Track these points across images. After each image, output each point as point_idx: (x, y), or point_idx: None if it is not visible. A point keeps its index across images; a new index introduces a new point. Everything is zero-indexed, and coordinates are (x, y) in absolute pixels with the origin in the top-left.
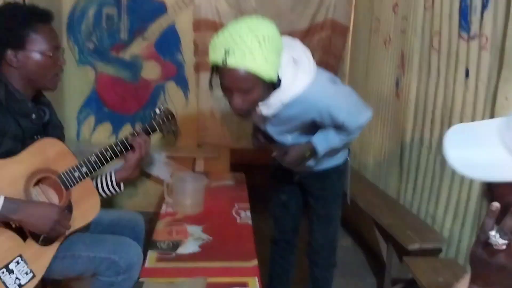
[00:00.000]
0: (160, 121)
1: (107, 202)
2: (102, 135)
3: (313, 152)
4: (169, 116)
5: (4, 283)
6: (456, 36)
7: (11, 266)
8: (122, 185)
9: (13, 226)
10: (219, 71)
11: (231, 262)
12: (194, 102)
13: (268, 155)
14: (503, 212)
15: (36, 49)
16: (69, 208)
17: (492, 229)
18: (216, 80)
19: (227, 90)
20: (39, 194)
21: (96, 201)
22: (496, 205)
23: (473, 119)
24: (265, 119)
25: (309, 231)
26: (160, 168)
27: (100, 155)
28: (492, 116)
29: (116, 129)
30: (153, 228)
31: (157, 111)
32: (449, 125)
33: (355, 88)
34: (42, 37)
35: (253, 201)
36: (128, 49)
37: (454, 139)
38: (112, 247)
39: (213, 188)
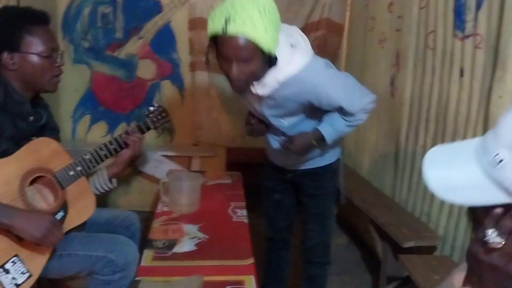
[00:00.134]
0: (154, 119)
1: (103, 201)
2: (98, 134)
3: (320, 140)
4: (163, 114)
5: (0, 283)
6: (451, 35)
7: (7, 266)
8: (114, 181)
9: None
10: (219, 41)
11: (227, 260)
12: (189, 100)
13: (263, 153)
14: (503, 213)
15: (32, 51)
16: (64, 207)
17: (490, 228)
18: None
19: (226, 61)
20: (34, 193)
21: (92, 200)
22: (498, 211)
23: (467, 117)
24: (260, 101)
25: (303, 230)
26: (156, 167)
27: (94, 154)
28: (486, 114)
29: (111, 128)
30: (148, 227)
31: (151, 109)
32: (444, 124)
33: None
34: (38, 39)
35: (249, 199)
36: (123, 48)
37: (433, 160)
38: (108, 246)
39: (209, 187)
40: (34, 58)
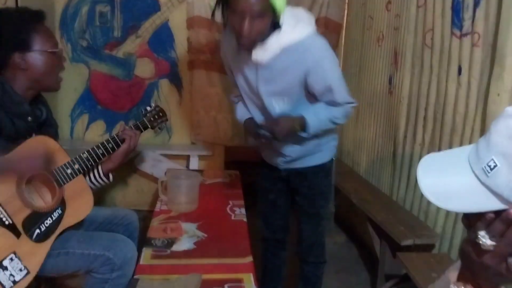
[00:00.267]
0: (152, 118)
1: (101, 200)
2: (96, 133)
3: (303, 127)
4: (160, 113)
5: None
6: (449, 33)
7: (5, 263)
8: (111, 176)
9: (6, 222)
10: None
11: (226, 258)
12: (187, 99)
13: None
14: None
15: (42, 48)
16: (62, 205)
17: (481, 230)
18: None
19: (238, 16)
20: (31, 191)
21: (89, 198)
22: (490, 215)
23: (465, 115)
24: (257, 74)
25: (298, 230)
26: (154, 166)
27: (92, 152)
28: (484, 112)
29: (109, 127)
30: (147, 226)
31: (148, 108)
32: (442, 122)
33: (348, 85)
34: (45, 36)
35: (247, 198)
36: (121, 47)
37: (427, 168)
38: (106, 244)
39: (208, 186)
40: (45, 55)
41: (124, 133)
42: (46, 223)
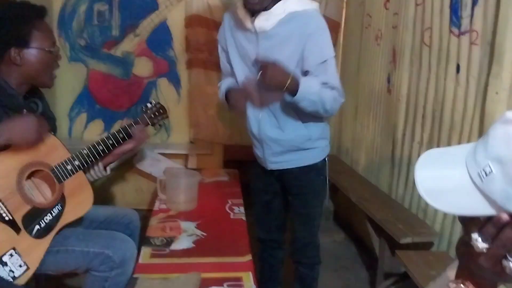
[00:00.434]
0: (152, 115)
1: (101, 199)
2: (94, 132)
3: (294, 88)
4: (161, 110)
5: None
6: (447, 32)
7: (5, 258)
8: (108, 169)
9: (6, 218)
10: None
11: (225, 257)
12: (186, 98)
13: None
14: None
15: (39, 46)
16: (62, 201)
17: (474, 232)
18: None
19: None
20: (31, 187)
21: (89, 195)
22: (483, 218)
23: (464, 114)
24: (257, 45)
25: (291, 230)
26: (153, 165)
27: (92, 149)
28: (482, 110)
29: (108, 126)
30: (146, 225)
31: (149, 105)
32: (441, 120)
33: (347, 83)
34: (43, 33)
35: (246, 197)
36: (119, 46)
37: (425, 162)
38: (105, 242)
39: (207, 185)
40: (41, 53)
41: (132, 129)
42: (46, 219)
